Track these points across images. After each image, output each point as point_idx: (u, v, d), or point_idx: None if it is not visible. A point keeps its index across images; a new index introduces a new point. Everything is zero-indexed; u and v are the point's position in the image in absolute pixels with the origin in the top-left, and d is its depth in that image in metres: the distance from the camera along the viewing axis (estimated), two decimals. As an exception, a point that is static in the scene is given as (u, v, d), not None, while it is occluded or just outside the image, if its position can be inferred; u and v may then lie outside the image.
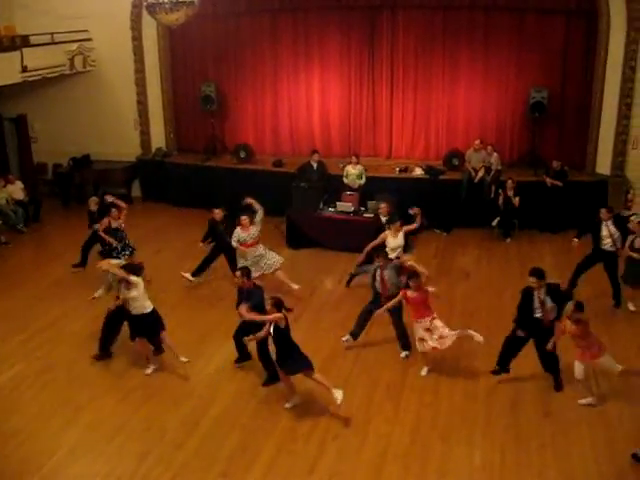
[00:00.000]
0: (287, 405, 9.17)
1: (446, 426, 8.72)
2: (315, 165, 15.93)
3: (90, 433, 8.75)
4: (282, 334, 8.88)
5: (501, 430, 8.60)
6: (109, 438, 8.61)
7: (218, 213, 12.87)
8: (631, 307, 11.72)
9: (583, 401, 9.04)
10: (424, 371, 9.90)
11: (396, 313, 10.23)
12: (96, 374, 10.14)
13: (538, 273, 9.07)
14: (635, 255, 11.36)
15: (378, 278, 10.23)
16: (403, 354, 10.38)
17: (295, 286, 12.32)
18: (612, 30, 15.04)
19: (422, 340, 9.62)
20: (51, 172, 19.44)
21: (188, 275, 12.97)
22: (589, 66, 15.80)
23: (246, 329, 9.69)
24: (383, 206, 13.02)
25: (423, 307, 9.60)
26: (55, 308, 12.11)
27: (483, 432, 8.58)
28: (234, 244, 12.12)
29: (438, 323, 9.59)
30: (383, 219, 12.79)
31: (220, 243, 12.81)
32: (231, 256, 12.56)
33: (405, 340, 10.37)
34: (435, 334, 9.52)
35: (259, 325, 9.21)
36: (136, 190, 18.95)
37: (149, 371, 10.08)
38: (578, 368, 8.89)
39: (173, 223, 16.77)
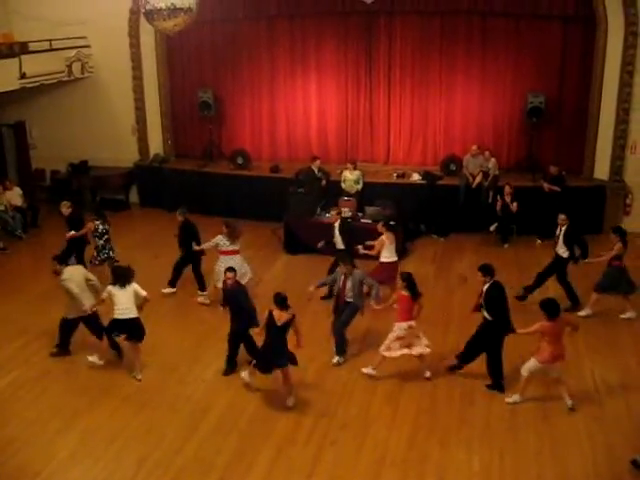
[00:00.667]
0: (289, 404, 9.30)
1: (444, 431, 8.71)
2: (317, 170, 15.92)
3: (88, 438, 8.73)
4: (276, 331, 9.02)
5: (500, 435, 8.60)
6: (107, 443, 8.60)
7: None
8: (627, 315, 11.73)
9: (510, 399, 9.27)
10: (368, 369, 9.96)
11: (349, 314, 10.31)
12: (94, 379, 10.12)
13: (483, 269, 9.60)
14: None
15: (340, 285, 10.26)
16: (335, 360, 10.39)
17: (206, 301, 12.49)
18: (609, 35, 15.09)
19: (389, 348, 9.68)
20: (49, 178, 19.45)
21: (202, 299, 12.69)
22: (586, 71, 15.85)
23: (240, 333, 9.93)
24: (333, 213, 12.96)
25: (408, 311, 9.66)
26: (53, 313, 12.00)
27: (481, 437, 8.58)
28: (208, 246, 12.19)
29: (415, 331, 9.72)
30: (336, 225, 12.70)
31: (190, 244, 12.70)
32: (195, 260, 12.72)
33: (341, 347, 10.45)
34: (405, 341, 9.65)
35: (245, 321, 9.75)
36: (134, 196, 18.96)
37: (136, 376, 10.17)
38: (533, 365, 9.06)
39: (170, 228, 16.52)
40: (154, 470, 8.09)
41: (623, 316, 11.65)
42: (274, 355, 9.12)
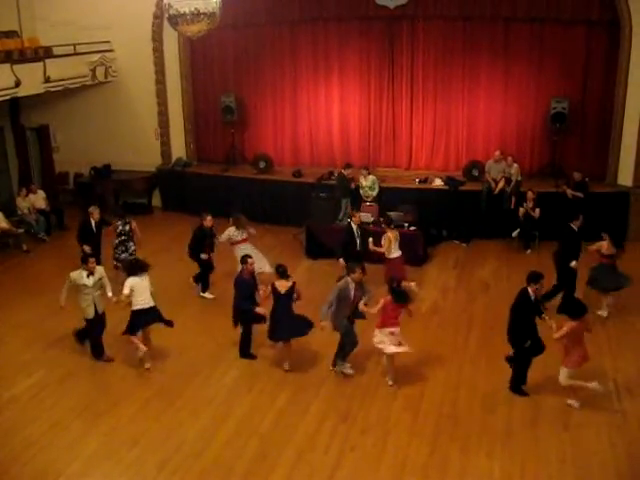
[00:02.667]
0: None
1: (465, 438, 8.66)
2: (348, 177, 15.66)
3: (109, 441, 8.78)
4: (282, 300, 10.02)
5: (521, 442, 8.53)
6: (128, 446, 8.63)
7: (210, 220, 12.89)
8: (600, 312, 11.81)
9: (570, 402, 9.25)
10: (390, 381, 9.94)
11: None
12: (116, 381, 10.22)
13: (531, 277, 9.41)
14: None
15: (352, 294, 9.90)
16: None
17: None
18: (634, 40, 14.92)
19: (383, 343, 9.67)
20: (72, 181, 19.60)
21: (207, 294, 13.20)
22: (610, 76, 15.68)
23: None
24: (357, 215, 13.09)
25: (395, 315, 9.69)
26: (76, 315, 12.11)
27: (503, 444, 8.51)
28: (223, 239, 12.73)
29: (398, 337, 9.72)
30: (354, 227, 12.81)
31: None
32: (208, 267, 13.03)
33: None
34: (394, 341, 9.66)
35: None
36: (156, 200, 19.07)
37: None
38: (567, 373, 9.08)
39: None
40: (174, 474, 8.11)
41: (598, 312, 11.71)
42: (288, 324, 10.07)
